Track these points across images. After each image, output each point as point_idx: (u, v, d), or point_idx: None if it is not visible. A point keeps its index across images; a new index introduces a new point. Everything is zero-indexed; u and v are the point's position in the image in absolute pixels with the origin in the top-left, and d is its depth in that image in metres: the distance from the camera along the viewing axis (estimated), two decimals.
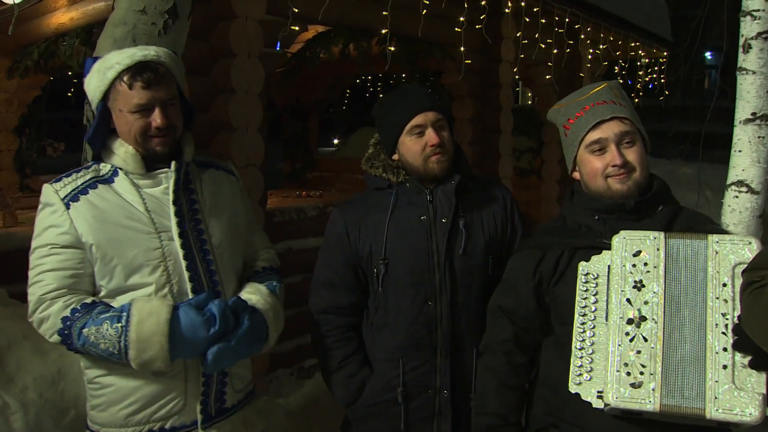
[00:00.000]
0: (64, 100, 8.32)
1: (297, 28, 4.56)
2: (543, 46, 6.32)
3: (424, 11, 5.02)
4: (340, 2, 4.76)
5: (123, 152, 2.17)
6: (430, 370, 2.47)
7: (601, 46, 7.73)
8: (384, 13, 4.83)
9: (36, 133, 7.52)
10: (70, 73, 6.66)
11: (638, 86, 9.56)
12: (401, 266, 2.46)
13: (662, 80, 9.74)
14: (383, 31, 4.88)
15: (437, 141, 2.41)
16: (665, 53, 9.60)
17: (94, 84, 2.18)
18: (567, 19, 6.55)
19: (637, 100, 9.50)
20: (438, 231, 2.45)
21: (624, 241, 1.92)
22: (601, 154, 2.06)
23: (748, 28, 2.40)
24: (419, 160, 2.45)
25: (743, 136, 2.41)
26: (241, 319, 2.16)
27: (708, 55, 22.60)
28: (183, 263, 2.15)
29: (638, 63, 9.34)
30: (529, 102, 10.67)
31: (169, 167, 2.20)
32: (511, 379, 2.19)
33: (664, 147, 11.96)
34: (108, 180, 2.18)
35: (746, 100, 2.40)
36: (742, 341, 1.74)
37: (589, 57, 7.79)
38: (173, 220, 2.17)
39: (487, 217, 2.54)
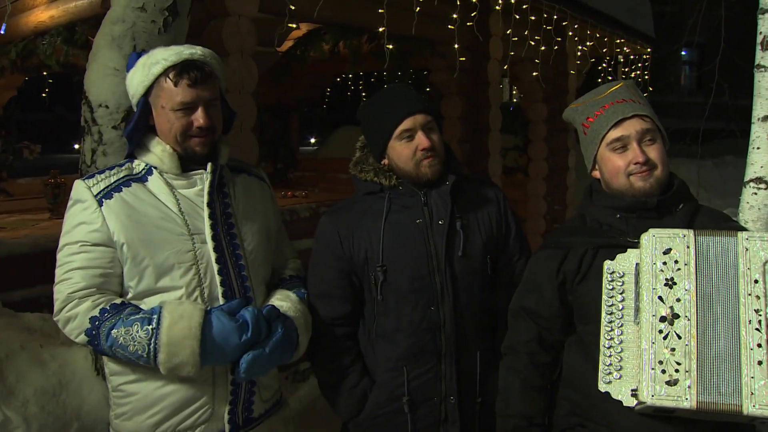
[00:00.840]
0: (39, 101, 8.19)
1: (294, 26, 4.50)
2: (532, 43, 6.32)
3: (417, 9, 4.99)
4: (334, 0, 4.73)
5: (160, 150, 2.12)
6: (435, 377, 2.41)
7: (588, 43, 7.76)
8: (380, 11, 4.81)
9: (12, 135, 7.37)
10: (45, 72, 6.53)
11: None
12: (401, 272, 2.38)
13: (646, 77, 9.82)
14: (380, 29, 4.84)
15: (428, 145, 2.33)
16: (648, 49, 9.68)
17: (137, 79, 2.13)
18: (555, 16, 6.57)
19: None
20: (435, 234, 2.38)
21: (654, 239, 1.90)
22: (622, 152, 2.04)
23: (767, 26, 2.39)
24: (411, 164, 2.36)
25: (762, 134, 2.41)
26: (274, 326, 2.12)
27: (683, 51, 22.83)
28: (215, 267, 2.11)
29: (622, 60, 9.39)
30: (515, 99, 10.68)
31: (205, 169, 2.16)
32: (535, 380, 2.17)
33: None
34: (142, 179, 2.14)
35: (764, 98, 2.40)
36: None
37: (577, 54, 7.82)
38: (207, 223, 2.12)
39: (483, 217, 2.48)
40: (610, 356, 1.92)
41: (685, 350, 1.79)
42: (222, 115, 2.22)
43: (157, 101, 2.11)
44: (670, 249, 1.88)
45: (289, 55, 5.93)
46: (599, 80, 9.32)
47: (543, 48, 6.61)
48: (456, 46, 5.32)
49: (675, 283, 1.85)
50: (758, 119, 2.41)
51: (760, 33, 2.41)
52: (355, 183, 2.53)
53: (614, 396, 1.89)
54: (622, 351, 1.91)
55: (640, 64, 9.82)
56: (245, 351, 2.02)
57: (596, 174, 2.16)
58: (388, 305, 2.40)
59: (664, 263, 1.87)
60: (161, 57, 2.09)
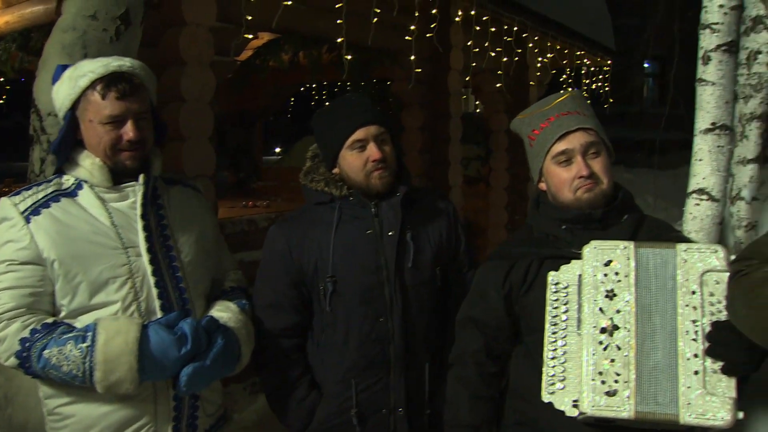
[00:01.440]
0: None
1: (251, 36, 4.49)
2: (493, 54, 6.39)
3: (375, 20, 5.02)
4: (292, 10, 4.73)
5: (89, 164, 2.07)
6: (384, 389, 2.40)
7: (548, 55, 7.85)
8: (338, 21, 4.82)
9: None
10: (2, 78, 6.43)
11: (584, 94, 9.74)
12: (350, 283, 2.36)
13: (606, 88, 9.97)
14: (339, 40, 4.86)
15: (379, 156, 2.32)
16: (609, 61, 9.83)
17: (64, 92, 2.08)
18: (515, 28, 6.64)
19: None
20: (386, 245, 2.37)
21: (595, 251, 1.93)
22: (567, 165, 2.06)
23: (708, 41, 2.45)
24: (361, 175, 2.35)
25: (703, 146, 2.45)
26: (214, 338, 2.08)
27: (645, 63, 23.20)
28: (152, 280, 2.07)
29: (582, 71, 9.53)
30: (477, 110, 10.78)
31: (137, 181, 2.11)
32: (483, 390, 2.18)
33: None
34: (71, 193, 2.08)
35: (706, 111, 2.45)
36: (713, 347, 1.77)
37: (537, 65, 7.91)
38: (141, 235, 2.08)
39: (433, 228, 2.48)
40: (553, 367, 1.94)
41: (624, 361, 1.82)
42: (153, 127, 2.18)
43: (84, 114, 2.06)
44: (611, 261, 1.90)
45: (248, 65, 5.93)
46: (561, 91, 9.41)
47: (504, 59, 6.68)
48: (412, 57, 5.35)
49: (615, 295, 1.88)
50: (700, 132, 2.45)
51: (701, 48, 2.46)
52: (306, 193, 2.51)
53: (557, 406, 1.91)
54: (565, 362, 1.92)
55: (601, 76, 9.97)
56: (185, 364, 1.99)
57: (543, 186, 2.18)
58: (337, 316, 2.38)
59: (605, 275, 1.90)
60: (88, 69, 2.04)
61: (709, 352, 1.78)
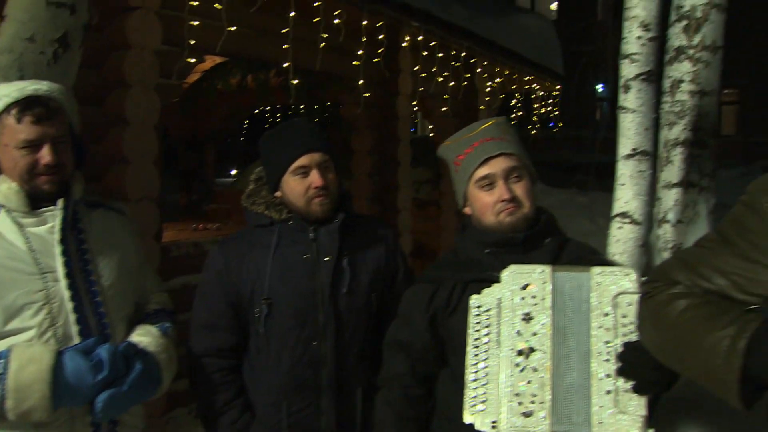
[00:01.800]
0: None
1: (194, 60, 4.50)
2: (440, 79, 6.47)
3: (322, 44, 5.07)
4: (238, 34, 4.75)
5: (5, 188, 2.05)
6: (315, 412, 2.41)
7: (497, 80, 7.98)
8: (285, 46, 4.86)
9: None
10: None
11: (534, 118, 9.92)
12: (285, 306, 2.39)
13: (556, 112, 10.14)
14: (285, 65, 4.89)
15: (321, 183, 2.37)
16: (558, 86, 10.01)
17: None
18: (463, 54, 6.74)
19: (534, 132, 9.86)
20: (322, 270, 2.41)
21: (512, 275, 1.97)
22: (490, 189, 2.11)
23: (627, 70, 2.54)
24: (302, 200, 2.40)
25: (625, 171, 2.53)
26: (132, 363, 2.07)
27: (600, 87, 23.66)
28: (69, 305, 2.04)
29: (533, 96, 9.70)
30: (431, 134, 10.90)
31: (56, 205, 2.09)
32: (409, 412, 2.20)
33: (560, 177, 12.40)
34: None
35: (627, 137, 2.53)
36: (624, 367, 1.81)
37: (486, 90, 8.03)
38: (59, 261, 2.06)
39: (371, 255, 2.52)
40: (475, 389, 1.96)
41: (540, 382, 1.86)
42: (74, 150, 2.17)
43: (0, 139, 2.04)
44: (528, 284, 1.95)
45: (197, 87, 5.93)
46: (512, 115, 9.60)
47: (452, 84, 6.77)
48: (361, 82, 5.40)
49: (532, 318, 1.92)
50: (622, 157, 2.54)
51: (622, 77, 2.55)
52: (247, 215, 2.54)
53: (478, 427, 1.93)
54: (486, 383, 1.95)
55: (551, 100, 10.15)
56: (102, 390, 1.97)
57: (468, 210, 2.23)
58: (271, 339, 2.40)
59: (522, 298, 1.94)
60: (3, 93, 2.03)
61: (620, 372, 1.82)
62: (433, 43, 6.31)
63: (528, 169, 2.17)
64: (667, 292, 1.46)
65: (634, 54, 2.53)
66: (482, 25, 7.01)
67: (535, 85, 9.31)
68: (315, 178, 2.37)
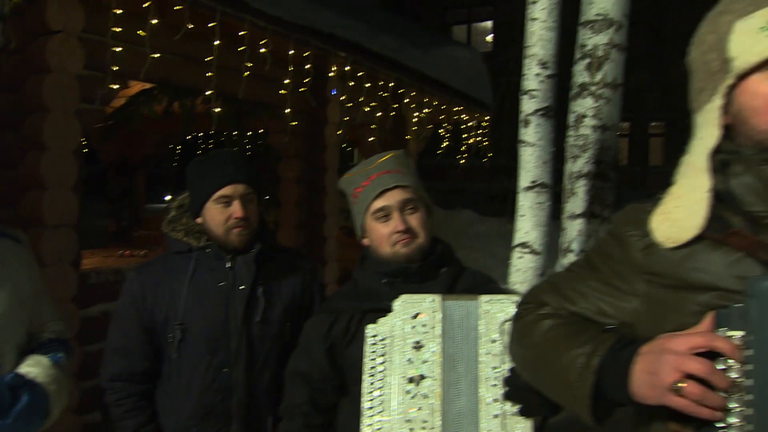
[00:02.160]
0: None
1: (116, 86, 4.49)
2: (367, 109, 6.56)
3: (247, 73, 5.10)
4: (163, 61, 4.76)
5: None
6: None
7: (425, 110, 8.11)
8: (208, 74, 4.88)
9: None
10: None
11: (463, 148, 10.09)
12: (198, 332, 2.43)
13: (485, 143, 10.33)
14: (207, 93, 4.91)
15: (242, 215, 2.44)
16: (487, 117, 10.22)
17: None
18: (391, 84, 6.84)
19: (462, 161, 10.02)
20: (236, 298, 2.46)
21: (404, 304, 2.02)
22: (386, 221, 2.17)
23: (527, 106, 2.64)
24: (222, 229, 2.46)
25: (525, 202, 2.63)
26: (19, 394, 2.04)
27: None
28: None
29: (462, 126, 9.87)
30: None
31: None
32: None
33: (493, 206, 12.61)
34: None
35: (527, 170, 2.63)
36: (509, 391, 1.88)
37: (414, 120, 8.15)
38: None
39: (287, 286, 2.58)
40: (371, 416, 2.00)
41: (430, 408, 1.91)
42: None
43: None
44: (419, 313, 2.00)
45: (122, 113, 5.88)
46: (442, 145, 9.76)
47: (379, 114, 6.86)
48: (287, 110, 5.45)
49: (422, 346, 1.97)
50: (522, 189, 2.63)
51: (522, 112, 2.65)
52: (167, 241, 2.59)
53: None
54: (381, 411, 1.99)
55: (480, 131, 10.34)
56: None
57: (366, 242, 2.28)
58: (183, 364, 2.43)
59: (413, 327, 1.99)
60: None
61: (507, 397, 1.89)
62: (360, 73, 6.40)
63: (424, 201, 2.23)
64: (535, 312, 1.53)
65: (533, 90, 2.64)
66: (411, 55, 7.14)
67: (464, 115, 9.49)
68: (236, 208, 2.44)
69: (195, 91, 5.62)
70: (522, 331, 1.54)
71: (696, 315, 1.20)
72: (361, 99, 6.44)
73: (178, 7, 4.69)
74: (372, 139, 7.11)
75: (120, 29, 4.31)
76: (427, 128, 8.72)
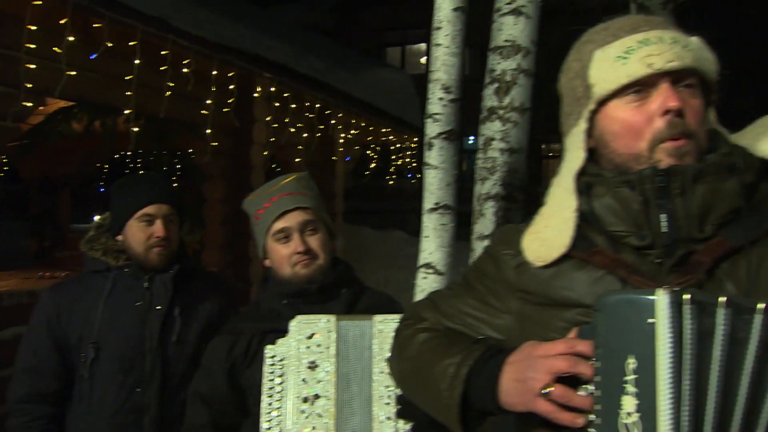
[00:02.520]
0: None
1: (30, 104, 4.40)
2: (293, 129, 6.57)
3: (168, 93, 5.07)
4: (80, 78, 4.69)
5: None
6: None
7: (353, 131, 8.17)
8: (128, 93, 4.84)
9: None
10: None
11: (391, 169, 10.18)
12: (112, 351, 2.42)
13: (414, 164, 10.44)
14: (126, 111, 4.86)
15: (163, 234, 2.48)
16: (416, 138, 10.34)
17: None
18: (318, 105, 6.88)
19: (391, 182, 10.11)
20: (153, 318, 2.47)
21: (299, 324, 2.05)
22: (286, 242, 2.20)
23: (431, 129, 2.70)
24: (142, 247, 2.48)
25: (429, 224, 2.67)
26: None
27: (470, 139, 24.46)
28: None
29: (392, 147, 9.96)
30: None
31: None
32: None
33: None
34: None
35: (430, 192, 2.68)
36: (401, 409, 1.92)
37: (341, 141, 8.20)
38: None
39: (204, 307, 2.60)
40: None
41: (325, 428, 1.93)
42: None
43: None
44: (314, 334, 2.03)
45: (39, 131, 5.76)
46: (371, 166, 9.83)
47: (305, 135, 6.88)
48: (208, 131, 5.42)
49: (317, 366, 2.00)
50: (426, 211, 2.68)
51: (426, 135, 2.71)
52: (84, 260, 2.59)
53: None
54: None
55: (409, 152, 10.46)
56: None
57: (267, 263, 2.30)
58: (95, 384, 2.41)
59: (308, 347, 2.02)
60: None
61: (399, 415, 1.93)
62: (286, 94, 6.41)
63: (324, 222, 2.27)
64: (413, 327, 1.57)
65: (437, 114, 2.70)
66: (338, 77, 7.20)
67: (392, 137, 9.59)
68: (158, 228, 2.48)
69: (116, 110, 5.55)
70: (400, 346, 1.58)
71: (562, 331, 1.25)
72: (287, 120, 6.45)
73: (97, 25, 4.64)
74: (298, 159, 7.12)
75: (35, 46, 4.25)
76: (355, 149, 8.77)
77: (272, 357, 2.08)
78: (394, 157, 10.13)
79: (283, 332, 2.12)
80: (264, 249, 2.27)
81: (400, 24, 23.24)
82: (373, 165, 9.72)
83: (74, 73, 4.48)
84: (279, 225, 2.20)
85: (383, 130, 9.06)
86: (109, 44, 4.64)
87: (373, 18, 22.83)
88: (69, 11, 4.30)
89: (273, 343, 2.10)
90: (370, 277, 8.85)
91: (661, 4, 3.30)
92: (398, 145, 9.99)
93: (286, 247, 2.20)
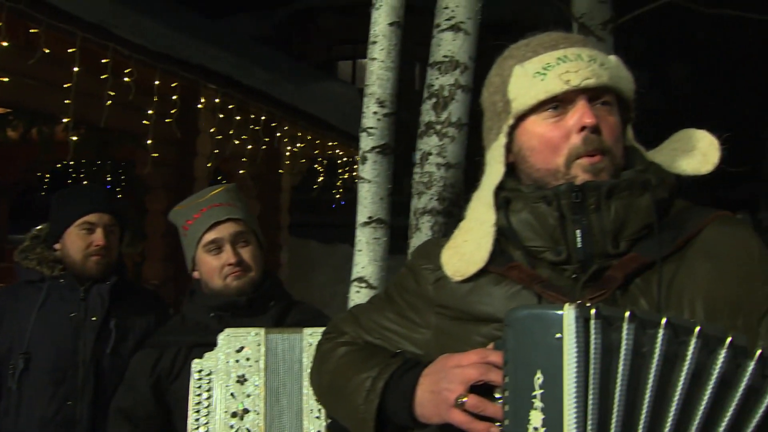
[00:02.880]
0: None
1: None
2: (238, 141, 6.51)
3: (109, 102, 4.98)
4: (15, 85, 4.58)
5: None
6: None
7: (299, 144, 8.13)
8: (66, 101, 4.73)
9: None
10: None
11: (339, 183, 10.16)
12: (43, 363, 2.37)
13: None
14: (65, 120, 4.76)
15: (103, 243, 2.46)
16: None
17: None
18: (263, 117, 6.83)
19: (338, 196, 10.09)
20: (87, 329, 2.43)
21: (228, 338, 2.02)
22: (217, 253, 2.17)
23: (365, 143, 2.70)
24: (80, 256, 2.45)
25: (362, 237, 2.66)
26: None
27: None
28: None
29: (339, 161, 9.94)
30: None
31: None
32: None
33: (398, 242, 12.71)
34: None
35: (364, 206, 2.67)
36: (332, 423, 1.90)
37: (288, 154, 8.15)
38: None
39: (141, 321, 2.55)
40: None
41: None
42: None
43: None
44: (243, 347, 2.00)
45: None
46: (319, 179, 9.81)
47: (250, 147, 6.81)
48: (149, 141, 5.34)
49: (246, 380, 1.97)
50: (359, 225, 2.67)
51: (360, 149, 2.71)
52: (18, 270, 2.54)
53: None
54: None
55: (356, 166, 10.44)
56: None
57: (196, 275, 2.26)
58: (24, 396, 2.36)
59: (237, 361, 1.99)
60: None
61: (328, 429, 1.91)
62: (231, 106, 6.35)
63: (256, 234, 2.25)
64: (333, 341, 1.55)
65: (371, 128, 2.70)
66: (284, 89, 7.17)
67: (339, 150, 9.57)
68: (98, 236, 2.46)
69: (54, 118, 5.42)
70: (320, 359, 1.56)
71: (480, 346, 1.24)
72: (232, 131, 6.39)
73: (33, 30, 4.53)
74: (242, 171, 7.06)
75: None
76: (302, 162, 8.74)
77: (199, 371, 2.04)
78: (341, 171, 10.12)
79: (210, 346, 2.09)
80: (193, 261, 2.24)
81: (352, 38, 23.31)
82: (320, 179, 9.68)
83: (6, 79, 4.37)
84: (210, 236, 2.17)
85: (330, 143, 9.03)
86: (47, 50, 4.53)
87: (325, 31, 22.83)
88: (3, 15, 4.19)
89: (200, 356, 2.07)
90: (317, 291, 8.80)
91: (602, 25, 3.37)
92: (345, 159, 9.98)
93: (217, 258, 2.17)
